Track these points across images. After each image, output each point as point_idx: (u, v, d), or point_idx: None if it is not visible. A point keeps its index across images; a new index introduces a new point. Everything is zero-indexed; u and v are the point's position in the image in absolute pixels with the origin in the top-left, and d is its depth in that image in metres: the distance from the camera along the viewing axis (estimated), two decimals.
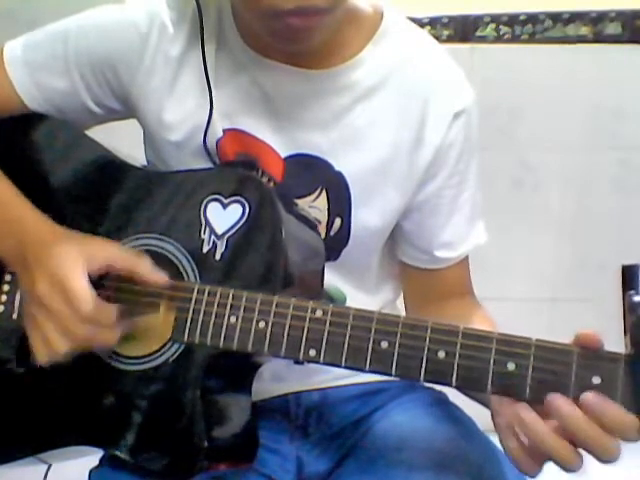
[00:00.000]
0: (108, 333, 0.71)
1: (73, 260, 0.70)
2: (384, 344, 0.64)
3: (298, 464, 0.87)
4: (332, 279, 0.84)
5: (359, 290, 0.90)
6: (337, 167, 0.83)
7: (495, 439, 0.76)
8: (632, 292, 0.57)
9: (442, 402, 0.90)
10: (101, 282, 0.73)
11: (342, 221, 0.85)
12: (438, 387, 0.89)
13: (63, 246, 0.72)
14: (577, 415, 0.57)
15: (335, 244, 0.86)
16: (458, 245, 0.89)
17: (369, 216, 0.85)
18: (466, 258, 0.91)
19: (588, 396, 0.57)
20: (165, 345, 0.74)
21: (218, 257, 0.74)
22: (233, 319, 0.70)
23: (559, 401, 0.58)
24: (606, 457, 0.57)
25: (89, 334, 0.69)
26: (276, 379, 0.88)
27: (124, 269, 0.73)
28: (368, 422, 0.87)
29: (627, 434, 0.57)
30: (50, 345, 0.70)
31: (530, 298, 1.82)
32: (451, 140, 0.83)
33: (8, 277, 0.83)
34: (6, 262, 0.79)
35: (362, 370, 0.65)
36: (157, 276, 0.73)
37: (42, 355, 0.71)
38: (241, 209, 0.74)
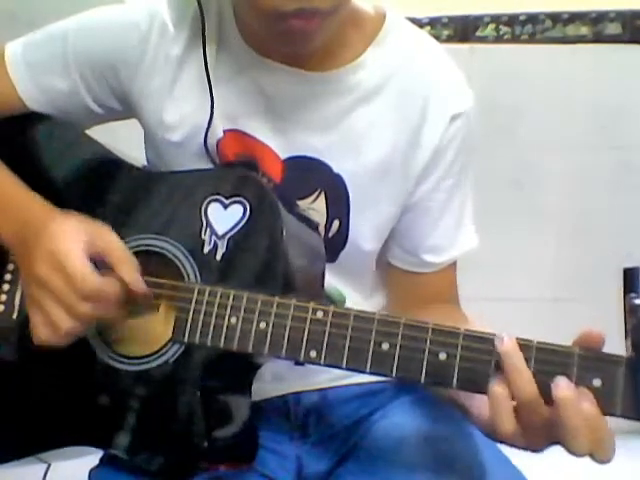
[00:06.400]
0: (112, 309, 0.70)
1: (73, 239, 0.70)
2: (385, 345, 0.63)
3: (298, 464, 0.87)
4: (329, 281, 0.84)
5: (355, 292, 0.90)
6: (336, 169, 0.83)
7: None
8: (633, 295, 0.57)
9: (442, 402, 0.90)
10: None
11: (340, 223, 0.84)
12: None
13: (63, 224, 0.72)
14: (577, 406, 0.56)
15: (333, 246, 0.85)
16: (446, 250, 0.88)
17: (366, 218, 0.84)
18: (454, 265, 0.90)
19: (564, 391, 0.56)
20: (165, 346, 0.73)
21: (219, 257, 0.74)
22: (234, 320, 0.69)
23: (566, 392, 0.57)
24: (580, 453, 0.57)
25: (92, 311, 0.69)
26: (276, 379, 0.88)
27: (111, 262, 0.71)
28: (368, 422, 0.87)
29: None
30: (52, 324, 0.69)
31: (530, 298, 1.82)
32: (447, 142, 0.83)
33: (8, 276, 0.83)
34: (3, 241, 0.78)
35: (363, 372, 0.64)
36: (138, 282, 0.71)
37: (43, 334, 0.70)
38: (242, 209, 0.74)
